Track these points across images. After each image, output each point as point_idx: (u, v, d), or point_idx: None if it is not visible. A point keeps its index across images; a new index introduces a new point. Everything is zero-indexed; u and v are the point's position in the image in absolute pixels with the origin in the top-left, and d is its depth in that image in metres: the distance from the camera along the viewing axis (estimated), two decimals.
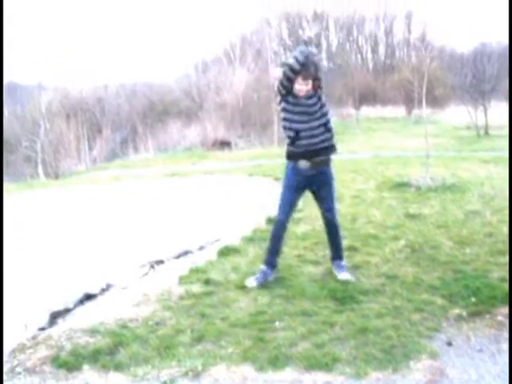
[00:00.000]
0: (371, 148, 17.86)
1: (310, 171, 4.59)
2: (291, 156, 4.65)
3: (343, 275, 4.68)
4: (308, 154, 4.54)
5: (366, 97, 35.15)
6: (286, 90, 4.47)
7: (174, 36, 59.29)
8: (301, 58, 4.31)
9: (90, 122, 31.11)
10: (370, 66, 49.27)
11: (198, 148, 23.98)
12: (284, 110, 4.55)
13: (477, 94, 21.30)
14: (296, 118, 4.48)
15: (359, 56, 50.14)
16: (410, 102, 29.83)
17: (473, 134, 20.53)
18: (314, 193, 4.78)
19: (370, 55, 50.66)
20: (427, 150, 9.51)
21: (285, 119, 4.57)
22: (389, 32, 49.60)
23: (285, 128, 4.61)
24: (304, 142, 4.51)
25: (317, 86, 4.48)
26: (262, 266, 4.77)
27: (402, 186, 9.12)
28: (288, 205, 4.73)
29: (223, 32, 53.62)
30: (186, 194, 10.41)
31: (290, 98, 4.49)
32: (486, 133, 20.25)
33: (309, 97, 4.47)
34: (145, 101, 33.96)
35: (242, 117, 25.87)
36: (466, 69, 23.34)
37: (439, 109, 29.86)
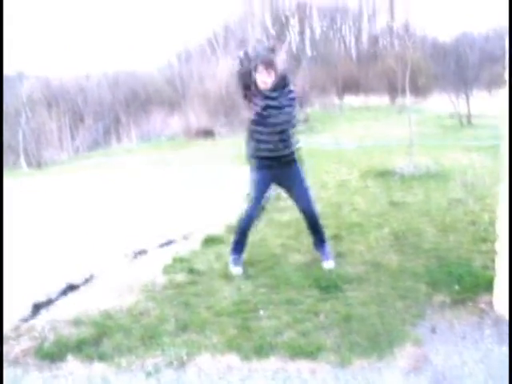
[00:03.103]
0: (355, 137, 17.86)
1: (274, 168, 4.57)
2: (253, 156, 4.65)
3: (328, 263, 4.69)
4: (267, 157, 4.53)
5: (350, 86, 35.15)
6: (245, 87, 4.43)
7: (156, 25, 58.79)
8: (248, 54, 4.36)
9: (72, 111, 30.77)
10: (354, 54, 49.28)
11: (181, 137, 23.86)
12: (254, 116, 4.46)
13: (459, 83, 21.38)
14: (259, 128, 4.44)
15: (342, 45, 50.12)
16: (393, 90, 29.85)
17: (456, 123, 20.62)
18: (286, 191, 4.79)
19: (353, 44, 50.67)
20: (411, 139, 9.54)
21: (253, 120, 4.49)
22: (372, 20, 49.64)
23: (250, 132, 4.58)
24: (264, 151, 4.51)
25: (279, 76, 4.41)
26: (232, 255, 4.78)
27: (385, 174, 9.15)
28: (256, 202, 4.71)
29: (206, 21, 53.22)
30: (170, 183, 10.35)
31: (256, 99, 4.40)
32: (469, 122, 20.34)
33: (273, 89, 4.40)
34: (127, 90, 33.66)
35: (226, 106, 25.73)
36: (449, 58, 23.42)
37: (422, 98, 29.95)
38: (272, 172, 4.59)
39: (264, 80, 4.35)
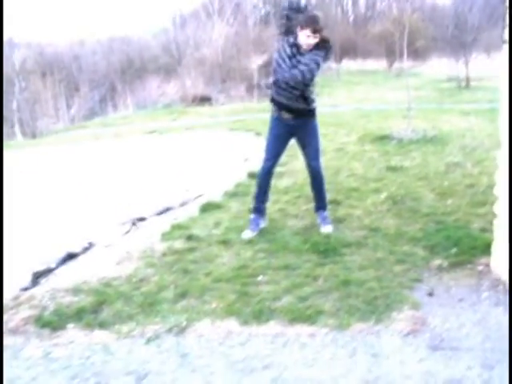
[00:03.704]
0: (353, 101, 17.78)
1: (293, 121, 4.59)
2: (273, 101, 4.64)
3: (326, 228, 4.71)
4: (288, 106, 4.53)
5: (347, 50, 34.78)
6: (286, 27, 4.49)
7: None
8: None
9: (67, 79, 30.52)
10: (351, 18, 48.65)
11: (178, 104, 23.72)
12: (278, 51, 4.49)
13: (458, 46, 21.16)
14: (283, 66, 4.42)
15: (339, 9, 49.42)
16: (391, 54, 29.57)
17: (454, 86, 20.49)
18: (298, 141, 4.77)
19: (350, 7, 49.97)
20: (409, 103, 9.49)
21: (275, 60, 4.52)
22: None
23: (273, 69, 4.58)
24: (282, 93, 4.50)
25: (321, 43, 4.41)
26: (252, 215, 4.82)
27: (383, 138, 9.12)
28: (273, 152, 4.74)
29: None
30: (167, 150, 10.32)
31: (289, 46, 4.41)
32: (467, 85, 20.21)
33: (307, 52, 4.39)
34: (122, 57, 33.32)
35: (222, 72, 25.54)
36: (447, 20, 23.13)
37: (421, 61, 29.71)
38: (290, 125, 4.62)
39: (308, 42, 4.35)
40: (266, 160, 4.74)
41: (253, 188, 4.95)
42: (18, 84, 24.69)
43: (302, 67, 4.30)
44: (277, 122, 4.67)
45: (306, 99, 4.53)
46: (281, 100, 4.54)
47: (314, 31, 4.30)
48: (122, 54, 33.56)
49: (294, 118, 4.58)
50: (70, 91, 29.06)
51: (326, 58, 4.44)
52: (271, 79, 4.59)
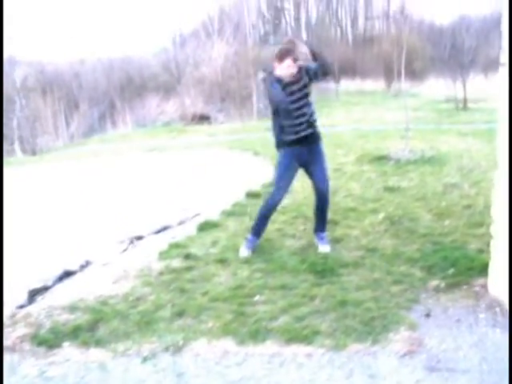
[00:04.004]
0: (351, 121, 17.84)
1: (301, 149, 4.62)
2: (281, 145, 4.67)
3: (324, 247, 4.71)
4: (295, 140, 4.58)
5: (346, 70, 34.99)
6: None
7: (150, 9, 58.34)
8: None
9: (67, 97, 30.61)
10: (350, 38, 49.04)
11: (177, 122, 23.79)
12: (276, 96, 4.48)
13: (455, 67, 21.31)
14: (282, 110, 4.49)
15: (338, 29, 49.83)
16: (389, 75, 29.74)
17: (452, 107, 20.59)
18: (307, 167, 4.79)
19: (349, 28, 50.38)
20: (407, 123, 9.53)
21: (280, 104, 4.51)
22: (368, 4, 49.32)
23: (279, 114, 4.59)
24: (290, 135, 4.56)
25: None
26: (249, 236, 4.82)
27: (381, 159, 9.15)
28: (286, 186, 4.73)
29: (201, 4, 52.79)
30: (166, 168, 10.34)
31: (279, 87, 4.43)
32: (465, 106, 20.31)
33: (295, 81, 4.45)
34: (122, 75, 33.47)
35: (221, 91, 25.64)
36: (445, 41, 23.32)
37: (418, 82, 29.85)
38: (298, 152, 4.63)
39: (290, 72, 4.40)
40: (277, 193, 4.71)
41: (250, 208, 4.97)
42: (19, 102, 24.77)
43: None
44: (287, 155, 4.66)
45: (314, 123, 4.61)
46: (293, 138, 4.56)
47: (294, 60, 4.36)
48: (121, 73, 33.73)
49: (305, 146, 4.61)
50: (70, 109, 29.14)
51: (323, 71, 4.46)
52: (279, 127, 4.61)
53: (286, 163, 4.68)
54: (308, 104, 4.54)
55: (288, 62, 4.35)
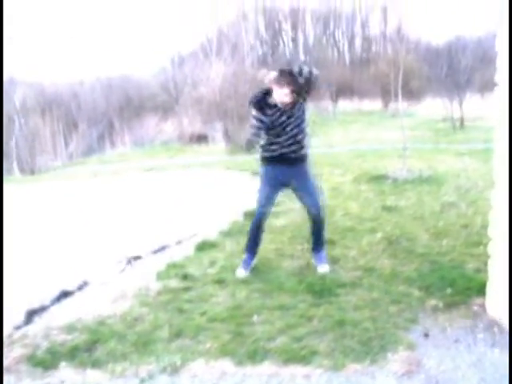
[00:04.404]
0: (348, 141, 17.91)
1: (284, 168, 4.63)
2: (263, 161, 4.70)
3: (323, 267, 4.70)
4: (278, 159, 4.60)
5: (343, 90, 35.18)
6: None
7: (149, 30, 58.85)
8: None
9: (66, 117, 30.72)
10: (347, 59, 49.40)
11: (175, 142, 23.86)
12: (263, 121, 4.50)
13: (452, 86, 21.46)
14: (270, 130, 4.51)
15: (336, 49, 50.22)
16: (386, 95, 29.90)
17: (449, 127, 20.69)
18: (294, 190, 4.80)
19: (346, 48, 50.78)
20: (404, 143, 9.58)
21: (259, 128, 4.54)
22: (365, 25, 49.79)
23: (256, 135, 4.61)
24: (274, 153, 4.58)
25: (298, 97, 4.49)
26: (245, 254, 4.83)
27: (379, 178, 9.18)
28: (267, 200, 4.74)
29: (199, 25, 53.25)
30: (164, 188, 10.35)
31: (272, 111, 4.46)
32: (462, 125, 20.42)
33: (292, 107, 4.49)
34: (121, 95, 33.65)
35: (219, 111, 25.71)
36: (441, 61, 23.51)
37: (415, 101, 30.03)
38: (282, 172, 4.64)
39: (284, 101, 4.42)
40: (260, 208, 4.74)
41: (248, 228, 4.96)
42: (18, 121, 24.87)
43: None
44: (268, 171, 4.69)
45: (304, 146, 4.62)
46: (277, 156, 4.58)
47: (292, 91, 4.38)
48: (120, 93, 33.90)
49: (285, 165, 4.61)
50: (69, 128, 29.23)
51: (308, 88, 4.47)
52: (265, 144, 4.62)
53: (266, 181, 4.71)
54: (298, 125, 4.53)
55: (286, 91, 4.37)
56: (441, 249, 5.19)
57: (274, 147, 4.56)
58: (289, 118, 4.48)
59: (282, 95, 4.40)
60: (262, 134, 4.53)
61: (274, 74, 4.44)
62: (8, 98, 25.83)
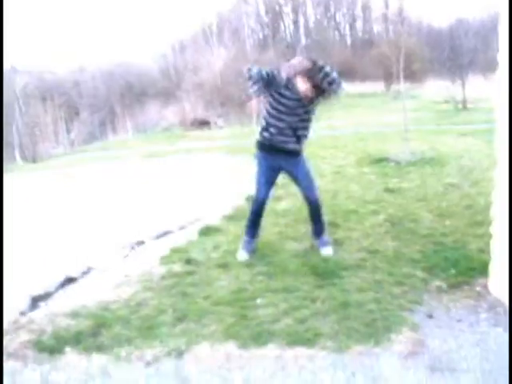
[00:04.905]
0: (351, 124, 17.87)
1: (279, 157, 4.61)
2: (259, 147, 4.66)
3: (326, 250, 4.70)
4: (274, 147, 4.56)
5: (345, 73, 34.94)
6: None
7: (149, 15, 58.60)
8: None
9: (67, 104, 30.73)
10: (348, 41, 49.12)
11: (177, 128, 23.84)
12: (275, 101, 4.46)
13: (454, 68, 21.37)
14: (276, 112, 4.46)
15: (337, 32, 49.93)
16: (388, 77, 29.74)
17: (451, 108, 20.62)
18: (290, 176, 4.81)
19: (347, 31, 50.48)
20: (405, 125, 9.54)
21: (267, 110, 4.53)
22: (366, 7, 49.43)
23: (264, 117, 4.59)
24: (272, 137, 4.53)
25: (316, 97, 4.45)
26: (245, 237, 4.83)
27: (381, 161, 9.16)
28: (265, 186, 4.72)
29: (199, 10, 52.99)
30: (166, 174, 10.35)
31: (289, 93, 4.40)
32: (464, 106, 20.34)
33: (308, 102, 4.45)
34: (122, 82, 33.58)
35: (221, 96, 25.66)
36: (444, 43, 23.38)
37: (418, 83, 29.89)
38: (277, 159, 4.62)
39: (306, 93, 4.36)
40: (260, 193, 4.72)
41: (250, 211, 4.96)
42: (19, 109, 24.85)
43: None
44: (264, 158, 4.66)
45: (300, 143, 4.59)
46: (273, 144, 4.55)
47: (315, 86, 4.31)
48: (121, 79, 33.83)
49: (282, 155, 4.59)
50: (70, 116, 29.25)
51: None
52: (266, 125, 4.56)
53: (263, 166, 4.68)
54: (303, 121, 4.51)
55: (308, 85, 4.31)
56: (444, 230, 5.18)
57: (272, 130, 4.49)
58: (298, 108, 4.43)
59: (306, 88, 4.34)
60: (261, 87, 4.35)
61: (298, 60, 4.37)
62: (10, 87, 25.81)
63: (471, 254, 4.41)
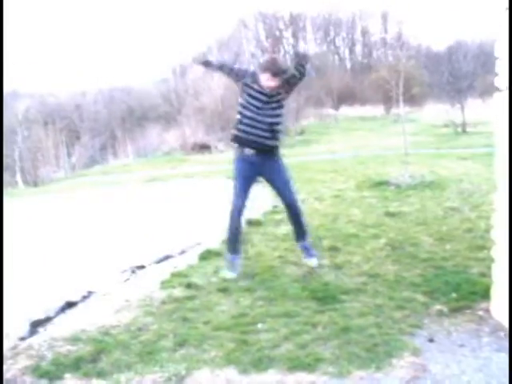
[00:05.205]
0: (351, 148, 17.92)
1: (256, 157, 4.70)
2: (235, 140, 4.77)
3: (311, 261, 4.84)
4: (250, 142, 4.66)
5: (345, 97, 35.26)
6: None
7: (150, 40, 59.15)
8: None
9: (69, 128, 30.88)
10: (348, 66, 49.50)
11: (178, 152, 23.92)
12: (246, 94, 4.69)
13: (453, 92, 21.50)
14: (249, 105, 4.64)
15: (336, 56, 50.34)
16: (388, 101, 29.94)
17: (451, 132, 20.71)
18: (267, 180, 4.89)
19: (347, 55, 50.91)
20: (406, 149, 9.58)
21: (240, 104, 4.72)
22: (365, 32, 49.91)
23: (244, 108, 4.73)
24: (247, 128, 4.65)
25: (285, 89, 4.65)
26: (227, 255, 4.91)
27: (381, 184, 9.18)
28: (241, 192, 4.80)
29: (200, 35, 53.51)
30: (166, 198, 10.36)
31: (256, 86, 4.63)
32: (464, 130, 20.44)
33: (273, 94, 4.62)
34: (123, 106, 33.81)
35: (222, 120, 25.78)
36: (443, 67, 23.56)
37: (417, 107, 30.10)
38: (255, 163, 4.72)
39: (268, 85, 4.57)
40: (235, 200, 4.80)
41: (251, 235, 4.97)
42: (21, 133, 24.97)
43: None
44: (242, 163, 4.76)
45: (277, 135, 4.70)
46: (249, 138, 4.66)
47: (274, 75, 4.52)
48: (122, 103, 34.06)
49: (257, 154, 4.69)
50: (71, 140, 29.36)
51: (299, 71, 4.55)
52: (241, 118, 4.72)
53: (242, 173, 4.78)
54: (275, 116, 4.66)
55: (267, 76, 4.54)
56: (445, 253, 5.18)
57: (247, 121, 4.63)
58: (269, 102, 4.62)
59: (264, 80, 4.56)
60: (225, 68, 4.90)
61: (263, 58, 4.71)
62: (11, 111, 25.96)
63: (472, 277, 4.40)
